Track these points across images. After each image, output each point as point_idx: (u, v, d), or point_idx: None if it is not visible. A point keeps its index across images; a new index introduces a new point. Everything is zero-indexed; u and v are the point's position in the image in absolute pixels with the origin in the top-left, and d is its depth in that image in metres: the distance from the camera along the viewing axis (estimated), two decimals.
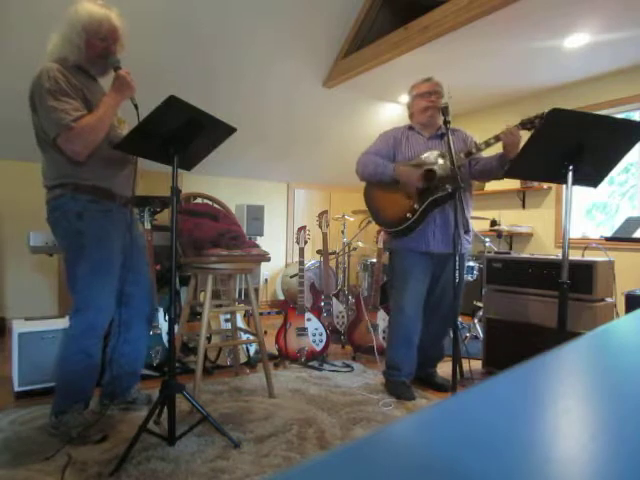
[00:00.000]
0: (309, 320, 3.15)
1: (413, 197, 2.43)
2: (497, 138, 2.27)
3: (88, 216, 1.86)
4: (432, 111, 2.52)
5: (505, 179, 2.42)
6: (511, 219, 4.70)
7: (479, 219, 4.16)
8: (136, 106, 1.86)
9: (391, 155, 2.56)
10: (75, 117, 1.73)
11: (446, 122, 2.25)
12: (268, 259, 2.45)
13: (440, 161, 2.40)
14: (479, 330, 3.74)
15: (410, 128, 2.61)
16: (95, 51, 1.87)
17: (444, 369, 2.74)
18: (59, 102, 1.73)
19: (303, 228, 3.36)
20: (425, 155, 2.45)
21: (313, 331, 3.14)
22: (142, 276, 2.14)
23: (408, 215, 2.44)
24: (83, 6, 1.85)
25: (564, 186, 1.86)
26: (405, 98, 4.72)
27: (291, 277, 4.47)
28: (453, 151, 2.16)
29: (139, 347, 2.16)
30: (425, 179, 2.38)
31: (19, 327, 2.36)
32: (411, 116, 2.66)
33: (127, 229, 2.04)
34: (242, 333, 2.75)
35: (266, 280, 5.32)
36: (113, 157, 1.92)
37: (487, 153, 2.48)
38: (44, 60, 1.85)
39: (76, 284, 1.87)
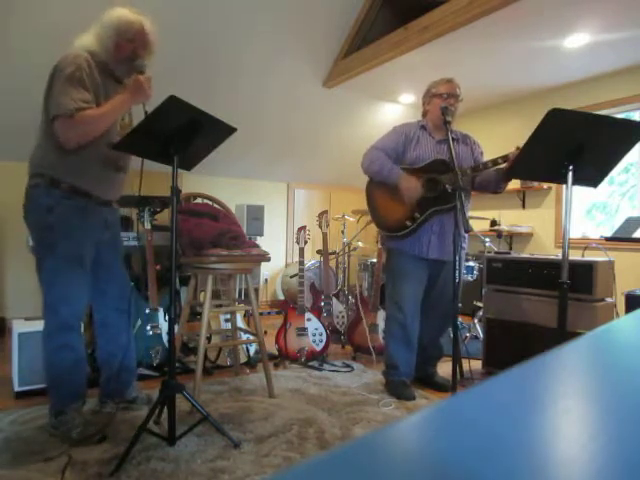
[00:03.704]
0: (309, 320, 3.15)
1: (414, 206, 2.43)
2: (505, 158, 2.23)
3: (59, 211, 1.84)
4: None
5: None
6: (511, 219, 4.70)
7: (479, 219, 4.16)
8: (146, 113, 1.82)
9: (400, 152, 2.52)
10: (79, 107, 1.74)
11: (446, 122, 2.25)
12: (268, 259, 2.45)
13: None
14: (479, 330, 3.73)
15: (422, 127, 2.56)
16: (123, 52, 1.90)
17: (444, 369, 2.74)
18: (71, 88, 1.74)
19: (303, 228, 3.36)
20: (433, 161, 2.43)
21: (313, 331, 3.14)
22: (115, 273, 2.11)
23: (408, 223, 2.44)
24: (117, 10, 1.91)
25: (564, 186, 1.86)
26: (405, 98, 4.78)
27: (291, 277, 4.47)
28: (455, 160, 2.15)
29: (122, 343, 2.12)
30: (428, 189, 2.37)
31: (19, 327, 2.36)
32: (424, 114, 2.61)
33: (105, 226, 2.02)
34: (242, 333, 2.75)
35: (266, 280, 5.32)
36: (106, 160, 1.93)
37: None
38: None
39: (44, 279, 1.86)
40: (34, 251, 1.91)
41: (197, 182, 4.82)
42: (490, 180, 2.49)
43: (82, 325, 1.98)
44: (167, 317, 2.69)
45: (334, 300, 3.65)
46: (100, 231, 2.00)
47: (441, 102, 2.43)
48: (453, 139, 2.50)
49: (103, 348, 2.11)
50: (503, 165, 2.30)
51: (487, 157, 2.68)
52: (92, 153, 1.86)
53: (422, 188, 2.39)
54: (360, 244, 4.11)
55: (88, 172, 1.89)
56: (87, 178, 1.89)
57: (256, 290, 4.23)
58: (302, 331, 3.12)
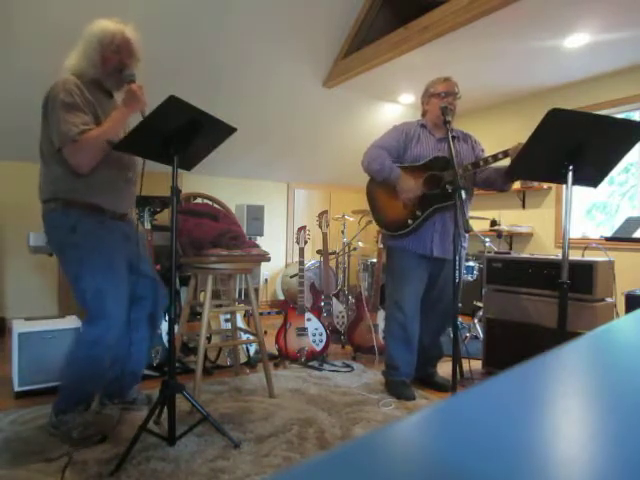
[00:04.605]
0: (309, 320, 3.15)
1: (415, 204, 2.43)
2: (505, 153, 2.23)
3: (82, 229, 1.84)
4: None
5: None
6: (511, 219, 4.70)
7: (479, 219, 4.16)
8: None
9: (400, 151, 2.53)
10: (81, 130, 1.75)
11: (446, 122, 2.26)
12: (268, 259, 2.45)
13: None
14: (479, 330, 3.73)
15: (422, 126, 2.57)
16: (110, 64, 1.90)
17: (444, 369, 2.74)
18: (69, 114, 1.75)
19: (303, 228, 3.36)
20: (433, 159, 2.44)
21: (313, 331, 3.14)
22: (153, 279, 2.13)
23: (409, 222, 2.44)
24: (98, 23, 1.91)
25: (564, 186, 1.86)
26: (405, 98, 4.77)
27: (291, 277, 4.47)
28: (454, 156, 2.16)
29: (143, 348, 2.16)
30: (429, 186, 2.38)
31: (19, 327, 2.37)
32: (424, 113, 2.62)
33: (127, 240, 2.03)
34: (242, 333, 2.75)
35: (266, 280, 5.32)
36: (113, 174, 1.93)
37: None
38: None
39: (85, 296, 1.86)
40: (64, 272, 1.91)
41: (197, 182, 4.82)
42: (495, 178, 2.49)
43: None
44: (167, 317, 2.69)
45: (334, 300, 3.65)
46: (125, 246, 2.00)
47: (440, 101, 2.44)
48: (453, 137, 2.51)
49: (122, 348, 2.11)
50: (504, 164, 2.30)
51: None
52: (101, 168, 1.86)
53: (423, 186, 2.40)
54: (360, 244, 4.11)
55: (99, 187, 1.89)
56: (98, 193, 1.89)
57: (256, 290, 4.23)
58: (302, 331, 3.12)
